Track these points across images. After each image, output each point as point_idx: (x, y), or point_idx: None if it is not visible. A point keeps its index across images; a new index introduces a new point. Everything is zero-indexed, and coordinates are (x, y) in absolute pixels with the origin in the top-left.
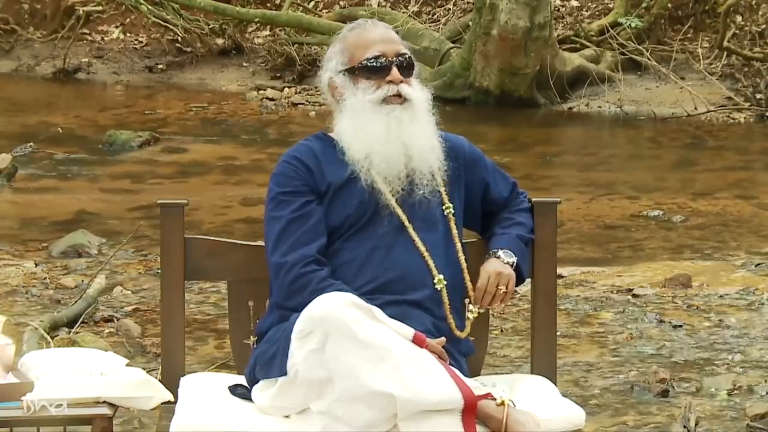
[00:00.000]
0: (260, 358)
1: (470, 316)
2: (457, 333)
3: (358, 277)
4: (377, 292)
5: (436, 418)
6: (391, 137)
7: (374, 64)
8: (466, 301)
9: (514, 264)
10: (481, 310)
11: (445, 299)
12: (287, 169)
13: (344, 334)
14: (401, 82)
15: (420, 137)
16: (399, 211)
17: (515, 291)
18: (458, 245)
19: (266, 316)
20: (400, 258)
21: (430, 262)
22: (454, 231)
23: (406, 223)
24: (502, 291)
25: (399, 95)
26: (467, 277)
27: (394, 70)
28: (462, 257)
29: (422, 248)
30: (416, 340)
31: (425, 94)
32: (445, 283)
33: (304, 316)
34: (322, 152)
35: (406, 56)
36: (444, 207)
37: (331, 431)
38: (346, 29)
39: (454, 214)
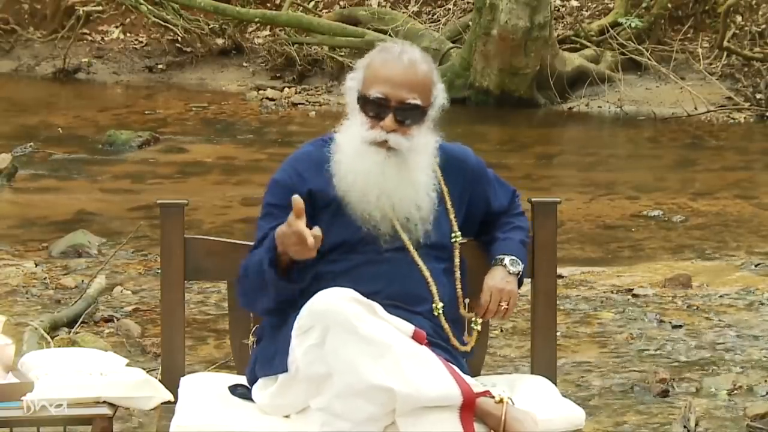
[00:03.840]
0: (261, 355)
1: (476, 327)
2: (461, 348)
3: (358, 284)
4: (377, 297)
5: (434, 415)
6: (370, 182)
7: (374, 103)
8: (467, 314)
9: (520, 273)
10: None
11: (444, 324)
12: (283, 178)
13: (345, 328)
14: (393, 131)
15: (403, 187)
16: (401, 231)
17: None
18: (457, 273)
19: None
20: (400, 273)
21: (433, 288)
22: (457, 261)
23: (408, 244)
24: (503, 308)
25: (386, 143)
26: (462, 306)
27: (388, 119)
28: (459, 287)
29: (423, 267)
30: (416, 337)
31: (425, 142)
32: (441, 310)
33: (305, 312)
34: (330, 160)
35: (410, 105)
36: (453, 235)
37: (330, 428)
38: (378, 49)
39: (460, 243)
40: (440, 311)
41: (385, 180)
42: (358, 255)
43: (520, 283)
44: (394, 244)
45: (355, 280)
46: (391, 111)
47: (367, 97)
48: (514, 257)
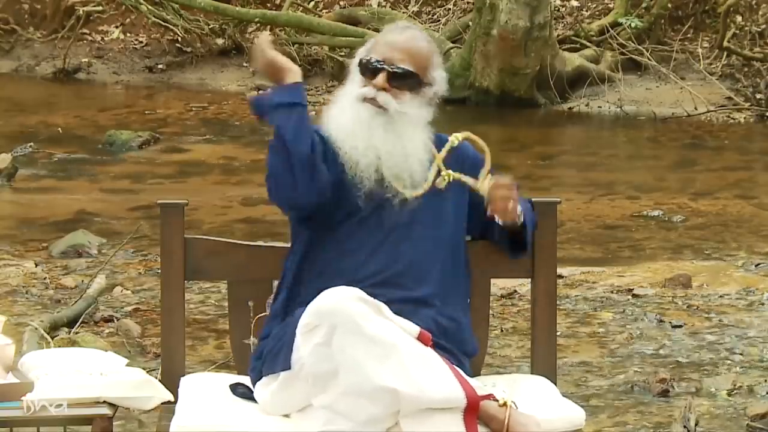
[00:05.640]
0: (268, 355)
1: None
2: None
3: (366, 266)
4: (380, 286)
5: (438, 417)
6: (356, 134)
7: (368, 63)
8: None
9: (521, 215)
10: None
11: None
12: None
13: (351, 328)
14: (383, 89)
15: (389, 145)
16: (409, 201)
17: (515, 291)
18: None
19: (276, 298)
20: (407, 250)
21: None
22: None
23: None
24: (509, 200)
25: (374, 100)
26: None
27: (381, 76)
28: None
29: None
30: (421, 338)
31: (418, 114)
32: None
33: (311, 310)
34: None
35: (404, 69)
36: (444, 174)
37: (332, 427)
38: (390, 26)
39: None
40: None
41: (372, 135)
42: (357, 233)
43: (523, 248)
44: (402, 213)
45: (356, 262)
46: (384, 70)
47: (366, 61)
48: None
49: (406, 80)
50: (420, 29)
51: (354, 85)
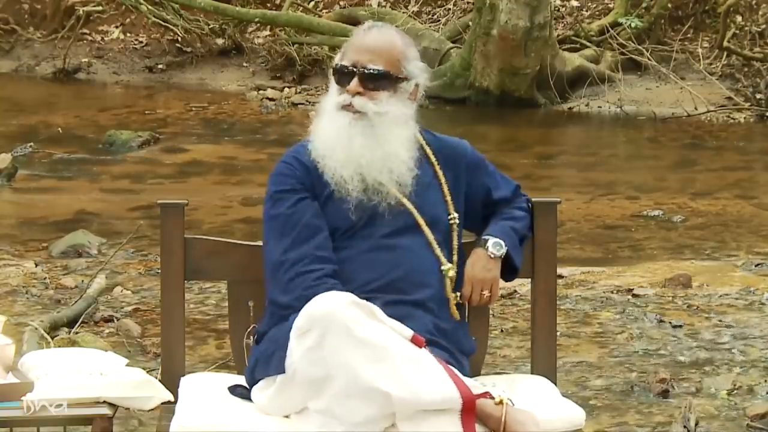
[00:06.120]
0: (261, 357)
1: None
2: (456, 317)
3: (361, 274)
4: (379, 292)
5: (434, 418)
6: (338, 145)
7: (340, 70)
8: (454, 295)
9: (503, 255)
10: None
11: (449, 288)
12: (284, 168)
13: (342, 332)
14: (358, 93)
15: (370, 150)
16: (409, 205)
17: (515, 291)
18: (455, 256)
19: (264, 317)
20: (403, 257)
21: (438, 251)
22: (455, 242)
23: (407, 220)
24: (486, 296)
25: (351, 106)
26: (449, 290)
27: (354, 81)
28: (453, 271)
29: (431, 238)
30: (414, 341)
31: (397, 112)
32: (450, 272)
33: (304, 314)
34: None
35: (375, 70)
36: (449, 217)
37: (328, 429)
38: (359, 28)
39: (458, 225)
40: (448, 273)
41: (351, 143)
42: (353, 242)
43: (514, 271)
44: (384, 226)
45: (353, 269)
46: (356, 75)
47: (338, 68)
48: (498, 239)
49: (379, 80)
50: (388, 26)
51: (331, 94)
